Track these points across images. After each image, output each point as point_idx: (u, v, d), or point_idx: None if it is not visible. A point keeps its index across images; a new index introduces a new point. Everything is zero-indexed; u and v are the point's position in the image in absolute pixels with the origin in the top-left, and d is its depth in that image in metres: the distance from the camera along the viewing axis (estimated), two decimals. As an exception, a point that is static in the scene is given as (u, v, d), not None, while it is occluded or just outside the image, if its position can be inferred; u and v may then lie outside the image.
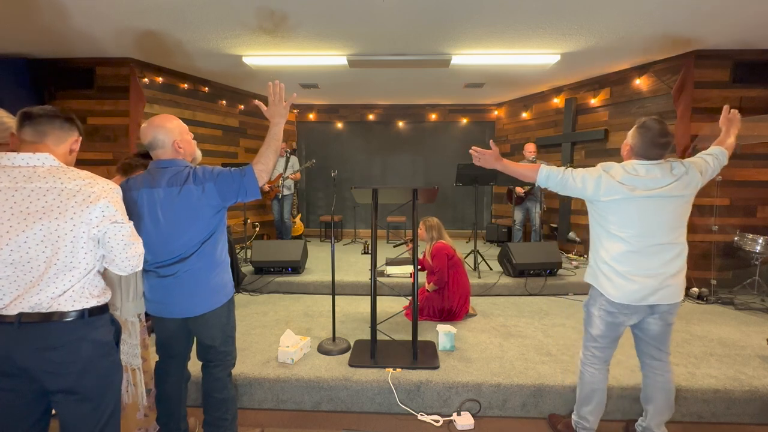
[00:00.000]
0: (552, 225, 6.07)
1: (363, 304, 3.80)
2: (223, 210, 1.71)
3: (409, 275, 2.75)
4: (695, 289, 4.10)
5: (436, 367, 2.51)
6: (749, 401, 2.30)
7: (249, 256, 4.93)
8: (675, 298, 1.82)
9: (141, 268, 1.43)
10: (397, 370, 2.47)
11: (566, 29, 3.73)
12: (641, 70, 4.75)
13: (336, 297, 3.06)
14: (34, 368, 1.23)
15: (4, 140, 1.45)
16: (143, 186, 1.63)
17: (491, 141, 2.05)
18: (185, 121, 1.79)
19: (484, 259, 4.71)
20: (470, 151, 2.01)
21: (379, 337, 2.80)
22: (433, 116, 7.33)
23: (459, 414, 2.29)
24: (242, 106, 6.23)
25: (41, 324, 1.23)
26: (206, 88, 5.63)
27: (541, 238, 5.50)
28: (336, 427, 2.28)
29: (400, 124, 7.43)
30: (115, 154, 4.61)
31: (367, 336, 2.91)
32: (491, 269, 4.63)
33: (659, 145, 1.77)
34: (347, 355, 2.70)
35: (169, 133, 1.65)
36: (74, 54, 4.46)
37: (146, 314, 1.87)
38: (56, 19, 3.50)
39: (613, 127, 5.16)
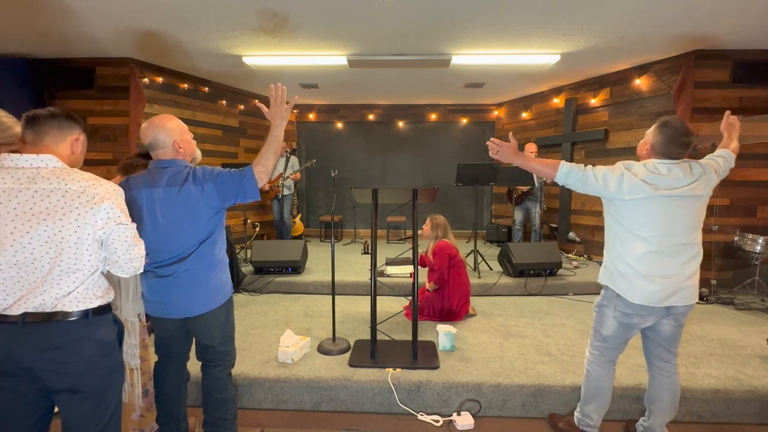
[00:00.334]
0: (552, 225, 6.07)
1: (363, 304, 3.80)
2: (222, 211, 1.71)
3: (409, 275, 2.75)
4: (695, 289, 4.10)
5: (436, 367, 2.51)
6: (749, 401, 2.30)
7: (249, 256, 4.93)
8: (691, 300, 1.81)
9: (142, 270, 1.43)
10: (397, 370, 2.47)
11: (566, 29, 3.73)
12: (641, 70, 4.75)
13: (336, 297, 3.06)
14: (37, 368, 1.23)
15: (5, 140, 1.45)
16: (143, 186, 1.63)
17: (510, 134, 1.99)
18: (185, 121, 1.79)
19: (484, 259, 4.71)
20: (488, 142, 1.93)
21: (379, 337, 2.80)
22: (433, 116, 7.33)
23: (459, 414, 2.29)
24: (242, 106, 6.23)
25: (44, 324, 1.23)
26: (206, 88, 5.63)
27: (541, 238, 5.49)
28: (336, 427, 2.28)
29: (400, 124, 7.43)
30: (115, 154, 4.61)
31: (367, 336, 2.91)
32: (491, 269, 4.63)
33: (681, 144, 1.77)
34: (347, 355, 2.70)
35: (170, 133, 1.65)
36: (74, 54, 4.46)
37: (146, 314, 1.88)
38: (56, 19, 3.50)
39: (613, 127, 5.16)
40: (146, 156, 1.86)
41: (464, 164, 4.63)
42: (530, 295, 4.14)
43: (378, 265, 2.83)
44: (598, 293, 1.98)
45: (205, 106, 5.67)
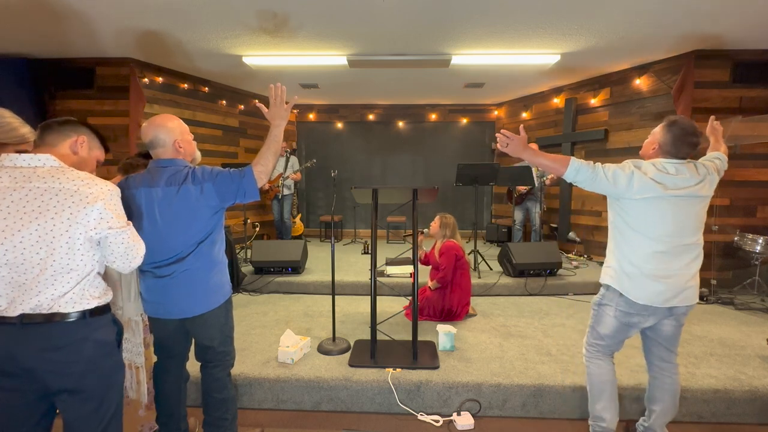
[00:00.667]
0: (552, 225, 6.07)
1: (363, 304, 3.80)
2: (221, 211, 1.70)
3: (409, 275, 2.75)
4: (695, 289, 4.10)
5: (436, 367, 2.51)
6: (749, 401, 2.30)
7: (249, 256, 4.93)
8: (693, 300, 1.81)
9: (140, 263, 1.44)
10: (397, 370, 2.47)
11: (566, 29, 3.73)
12: (641, 70, 4.75)
13: (336, 297, 3.06)
14: (37, 368, 1.23)
15: (12, 141, 1.45)
16: (142, 185, 1.63)
17: (521, 126, 1.93)
18: (185, 121, 1.79)
19: (484, 259, 4.71)
20: (497, 134, 1.89)
21: (379, 337, 2.80)
22: (433, 116, 7.33)
23: (459, 414, 2.29)
24: (242, 106, 6.23)
25: (43, 325, 1.22)
26: (206, 88, 5.63)
27: (541, 238, 5.49)
28: (336, 427, 2.28)
29: (400, 124, 7.43)
30: (115, 154, 4.60)
31: (367, 336, 2.91)
32: (491, 269, 4.63)
33: (689, 144, 1.76)
34: (347, 355, 2.70)
35: (171, 132, 1.65)
36: (74, 54, 4.46)
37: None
38: (56, 19, 3.50)
39: (613, 127, 5.16)
40: (146, 156, 1.86)
41: (464, 164, 4.63)
42: (530, 295, 4.14)
43: (378, 265, 2.83)
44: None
45: (205, 106, 5.67)
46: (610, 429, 1.94)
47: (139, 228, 1.60)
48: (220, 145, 5.93)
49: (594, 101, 5.38)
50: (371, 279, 2.66)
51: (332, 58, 4.53)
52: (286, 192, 5.83)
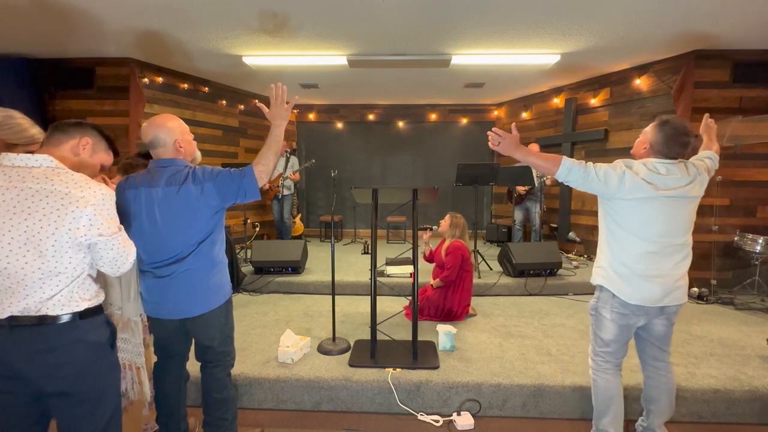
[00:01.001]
0: (552, 225, 6.07)
1: (363, 304, 3.80)
2: (221, 211, 1.70)
3: (409, 275, 2.75)
4: (695, 289, 4.10)
5: (436, 367, 2.51)
6: (749, 401, 2.30)
7: (249, 256, 4.93)
8: (683, 299, 1.82)
9: (129, 268, 1.42)
10: (397, 370, 2.47)
11: (566, 29, 3.73)
12: (641, 70, 4.75)
13: (336, 297, 3.06)
14: (28, 371, 1.21)
15: (21, 141, 1.44)
16: (142, 185, 1.63)
17: (513, 125, 1.91)
18: (185, 121, 1.79)
19: (484, 259, 4.71)
20: (489, 132, 1.85)
21: (379, 337, 2.80)
22: (433, 116, 7.33)
23: (459, 414, 2.29)
24: (242, 106, 6.23)
25: (33, 327, 1.21)
26: (206, 88, 5.63)
27: (541, 238, 5.49)
28: (336, 427, 2.28)
29: (400, 124, 7.43)
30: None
31: (367, 336, 2.91)
32: (491, 269, 4.63)
33: (681, 144, 1.75)
34: (347, 355, 2.70)
35: (171, 132, 1.65)
36: (74, 54, 4.46)
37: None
38: (56, 19, 3.50)
39: (613, 127, 5.16)
40: (146, 156, 1.86)
41: (464, 164, 4.63)
42: (530, 295, 4.14)
43: (378, 265, 2.83)
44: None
45: (205, 106, 5.67)
46: None
47: (139, 228, 1.60)
48: (220, 145, 5.93)
49: (594, 101, 5.38)
50: (371, 279, 2.66)
51: (332, 58, 4.53)
52: (286, 192, 5.83)
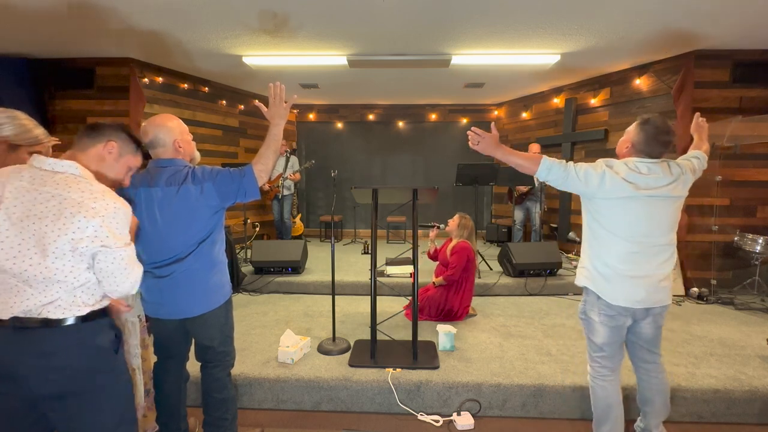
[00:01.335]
0: (552, 225, 6.07)
1: (363, 304, 3.80)
2: (221, 210, 1.70)
3: (409, 275, 2.75)
4: (695, 289, 4.10)
5: (436, 367, 2.51)
6: (749, 401, 2.30)
7: (249, 256, 4.93)
8: (667, 300, 1.81)
9: (133, 293, 1.33)
10: (397, 370, 2.47)
11: (566, 29, 3.72)
12: (641, 70, 4.75)
13: (336, 297, 3.06)
14: (26, 374, 1.20)
15: (26, 142, 1.44)
16: (141, 185, 1.63)
17: (492, 124, 1.91)
18: (185, 121, 1.79)
19: (484, 259, 4.71)
20: (468, 132, 1.84)
21: (379, 337, 2.80)
22: (433, 116, 7.33)
23: (459, 414, 2.29)
24: (242, 106, 6.23)
25: (36, 329, 1.20)
26: (206, 88, 5.63)
27: (541, 238, 5.50)
28: (336, 427, 2.28)
29: (400, 124, 7.43)
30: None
31: (367, 336, 2.91)
32: (491, 269, 4.63)
33: (662, 143, 1.74)
34: (347, 355, 2.70)
35: (171, 132, 1.65)
36: (74, 54, 4.46)
37: (145, 315, 1.87)
38: (56, 19, 3.50)
39: (613, 127, 5.16)
40: (145, 156, 1.86)
41: (464, 164, 4.63)
42: (530, 295, 4.13)
43: (378, 265, 2.83)
44: None
45: (205, 106, 5.67)
46: None
47: (138, 228, 1.59)
48: (220, 145, 5.93)
49: (594, 101, 5.38)
50: (371, 279, 2.66)
51: (332, 58, 4.53)
52: (286, 192, 5.83)
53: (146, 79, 4.80)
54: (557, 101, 5.98)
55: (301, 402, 2.42)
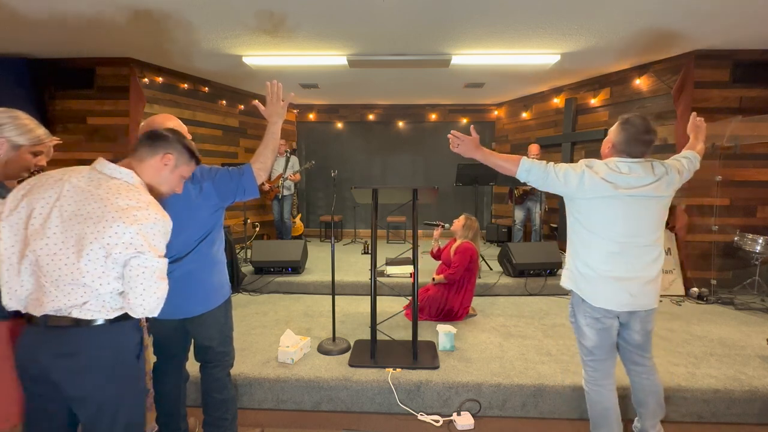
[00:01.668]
0: (552, 225, 6.07)
1: (363, 304, 3.80)
2: (221, 210, 1.70)
3: (409, 275, 2.75)
4: (695, 289, 4.10)
5: (436, 367, 2.51)
6: (749, 401, 2.30)
7: (249, 256, 4.93)
8: (653, 304, 1.78)
9: (156, 314, 1.28)
10: (397, 370, 2.47)
11: (566, 29, 3.72)
12: (641, 70, 4.75)
13: (336, 297, 3.06)
14: (55, 373, 1.21)
15: (27, 142, 1.42)
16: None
17: (471, 127, 1.94)
18: (185, 121, 1.79)
19: (484, 259, 4.70)
20: (449, 135, 1.88)
21: (379, 337, 2.80)
22: (433, 116, 7.33)
23: (459, 414, 2.29)
24: (242, 106, 6.23)
25: (64, 329, 1.20)
26: (206, 88, 5.63)
27: (541, 238, 5.49)
28: (336, 427, 2.28)
29: (400, 124, 7.43)
30: (115, 154, 4.54)
31: (367, 336, 2.91)
32: (491, 269, 4.63)
33: (642, 142, 1.73)
34: (347, 355, 2.70)
35: (169, 132, 1.65)
36: (74, 54, 4.46)
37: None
38: (56, 19, 3.50)
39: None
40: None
41: (464, 164, 4.63)
42: (530, 295, 4.13)
43: (378, 265, 2.83)
44: None
45: (205, 106, 5.67)
46: None
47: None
48: (220, 145, 5.93)
49: (594, 101, 5.38)
50: (371, 279, 2.66)
51: (332, 58, 4.53)
52: (286, 192, 5.83)
53: (146, 79, 4.80)
54: (557, 101, 5.98)
55: (301, 402, 2.42)
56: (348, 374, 2.44)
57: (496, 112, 7.23)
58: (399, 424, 2.29)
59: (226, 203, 1.68)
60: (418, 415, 2.33)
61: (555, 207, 5.98)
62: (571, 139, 5.68)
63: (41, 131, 1.46)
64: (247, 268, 4.58)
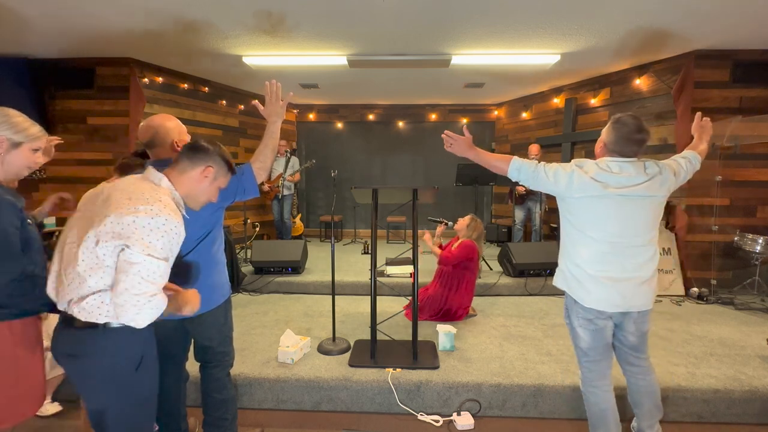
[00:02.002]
0: (552, 225, 6.07)
1: (363, 304, 3.80)
2: (220, 209, 1.70)
3: (409, 275, 2.75)
4: (695, 289, 4.10)
5: (436, 367, 2.51)
6: (749, 401, 2.30)
7: (249, 256, 4.93)
8: (647, 305, 1.76)
9: (139, 324, 1.18)
10: (397, 370, 2.47)
11: (566, 29, 3.72)
12: (641, 70, 4.75)
13: (336, 297, 3.06)
14: (67, 372, 1.25)
15: (24, 139, 1.42)
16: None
17: (464, 127, 1.95)
18: (185, 121, 1.79)
19: (484, 259, 4.70)
20: (442, 135, 1.91)
21: (379, 337, 2.80)
22: (433, 116, 7.33)
23: (459, 414, 2.29)
24: (242, 106, 6.23)
25: (69, 328, 1.21)
26: (206, 88, 5.63)
27: (541, 238, 5.49)
28: (336, 427, 2.28)
29: (400, 124, 7.43)
30: (115, 154, 4.61)
31: (367, 336, 2.91)
32: (491, 269, 4.63)
33: (634, 142, 1.72)
34: (347, 355, 2.70)
35: (169, 131, 1.66)
36: (74, 54, 4.46)
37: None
38: (56, 19, 3.50)
39: (613, 127, 5.15)
40: (143, 155, 1.86)
41: (464, 164, 4.63)
42: (530, 295, 4.13)
43: (378, 265, 2.83)
44: None
45: (205, 106, 5.67)
46: None
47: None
48: (220, 145, 5.92)
49: (594, 101, 5.38)
50: (371, 279, 2.66)
51: (332, 58, 4.53)
52: (286, 192, 5.83)
53: (146, 79, 4.80)
54: (557, 101, 5.98)
55: (301, 402, 2.42)
56: (348, 374, 2.44)
57: (496, 112, 7.23)
58: (399, 424, 2.29)
59: (226, 203, 1.68)
60: (418, 415, 2.33)
61: (555, 207, 5.96)
62: (571, 139, 5.68)
63: (36, 128, 1.46)
64: (247, 268, 4.58)
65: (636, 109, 4.87)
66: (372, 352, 2.64)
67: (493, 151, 7.13)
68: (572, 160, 1.80)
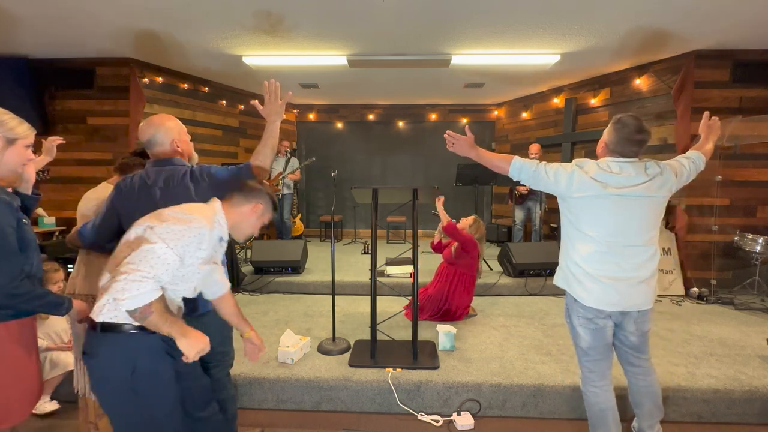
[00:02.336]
0: (552, 225, 6.07)
1: (363, 304, 3.80)
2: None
3: (409, 275, 2.75)
4: (695, 289, 4.10)
5: (436, 367, 2.51)
6: (749, 401, 2.30)
7: (249, 256, 4.93)
8: (646, 305, 1.76)
9: (124, 308, 1.17)
10: (397, 370, 2.47)
11: (566, 29, 3.73)
12: (641, 70, 4.75)
13: (336, 297, 3.06)
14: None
15: (17, 136, 1.40)
16: (140, 184, 1.62)
17: (466, 127, 1.96)
18: (185, 121, 1.79)
19: (484, 259, 4.69)
20: (445, 135, 1.92)
21: (379, 337, 2.80)
22: (433, 116, 7.33)
23: (459, 414, 2.29)
24: (242, 106, 6.23)
25: (90, 326, 1.28)
26: (206, 88, 5.63)
27: (541, 238, 5.49)
28: (336, 427, 2.28)
29: (400, 124, 7.44)
30: (115, 154, 4.61)
31: (367, 336, 2.91)
32: (491, 269, 4.63)
33: (635, 142, 1.72)
34: (347, 355, 2.70)
35: (169, 131, 1.65)
36: (74, 54, 4.46)
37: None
38: (56, 19, 3.50)
39: (613, 127, 5.15)
40: (143, 155, 1.86)
41: (464, 164, 4.64)
42: (530, 295, 4.13)
43: (378, 265, 2.83)
44: None
45: (205, 106, 5.67)
46: None
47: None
48: (220, 145, 5.93)
49: (594, 101, 5.38)
50: (371, 279, 2.66)
51: (332, 58, 4.53)
52: (285, 192, 5.83)
53: (146, 79, 4.80)
54: (557, 101, 5.98)
55: (301, 402, 2.42)
56: (348, 374, 2.44)
57: (496, 112, 7.23)
58: (399, 424, 2.29)
59: (226, 203, 1.68)
60: (418, 415, 2.33)
61: (555, 207, 5.95)
62: (571, 139, 5.68)
63: (24, 127, 1.44)
64: (247, 268, 4.58)
65: (636, 109, 4.87)
66: (372, 352, 2.64)
67: (493, 151, 7.12)
68: (573, 160, 1.80)
